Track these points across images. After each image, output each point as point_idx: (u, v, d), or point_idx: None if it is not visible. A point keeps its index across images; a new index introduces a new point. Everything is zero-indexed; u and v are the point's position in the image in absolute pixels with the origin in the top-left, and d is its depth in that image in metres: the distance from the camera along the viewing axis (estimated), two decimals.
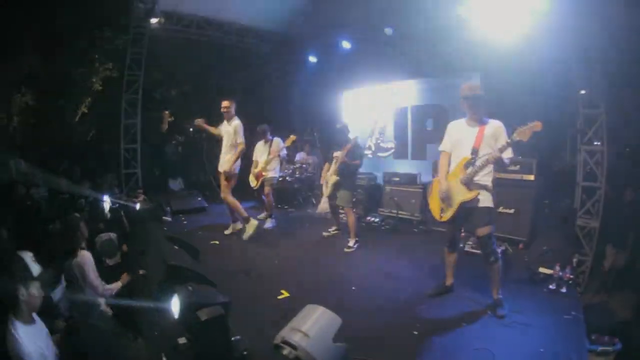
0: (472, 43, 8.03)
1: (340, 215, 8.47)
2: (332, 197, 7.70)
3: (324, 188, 7.92)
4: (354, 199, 7.87)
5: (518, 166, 7.15)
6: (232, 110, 7.60)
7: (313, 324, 3.34)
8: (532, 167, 7.10)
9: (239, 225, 8.12)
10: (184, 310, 3.48)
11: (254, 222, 7.70)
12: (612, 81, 7.12)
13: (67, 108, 13.29)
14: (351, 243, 7.41)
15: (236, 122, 7.54)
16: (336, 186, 7.51)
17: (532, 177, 7.15)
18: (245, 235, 7.65)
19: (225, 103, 7.59)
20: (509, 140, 4.25)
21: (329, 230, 8.24)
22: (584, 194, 7.16)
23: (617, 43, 7.05)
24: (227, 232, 8.22)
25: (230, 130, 7.53)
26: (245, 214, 7.73)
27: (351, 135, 7.55)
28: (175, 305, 3.56)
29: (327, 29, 10.51)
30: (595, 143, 7.09)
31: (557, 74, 7.50)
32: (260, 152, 8.80)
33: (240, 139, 7.50)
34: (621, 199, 7.70)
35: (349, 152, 7.27)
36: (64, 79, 12.72)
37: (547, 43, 6.96)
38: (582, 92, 7.05)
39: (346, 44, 11.21)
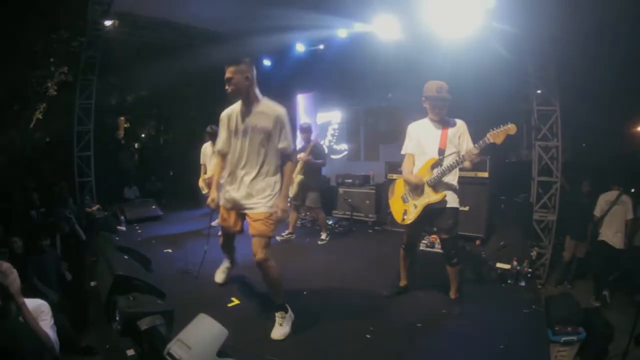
0: (424, 42, 8.05)
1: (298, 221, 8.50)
2: (296, 198, 7.66)
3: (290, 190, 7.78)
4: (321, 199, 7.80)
5: None
6: None
7: (198, 336, 3.16)
8: (486, 164, 7.15)
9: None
10: (125, 320, 3.34)
11: None
12: (566, 79, 7.25)
13: (23, 114, 12.89)
14: (323, 236, 7.73)
15: None
16: (302, 187, 7.51)
17: (486, 174, 7.21)
18: None
19: None
20: (476, 146, 4.11)
21: (282, 234, 8.04)
22: (540, 189, 7.25)
23: (569, 42, 7.19)
24: None
25: None
26: None
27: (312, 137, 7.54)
28: (117, 317, 3.42)
29: (281, 32, 10.42)
30: (552, 141, 7.22)
31: (511, 73, 7.57)
32: (209, 154, 8.35)
33: None
34: (578, 192, 7.86)
35: (312, 151, 7.30)
36: (20, 84, 12.34)
37: (500, 42, 7.04)
38: (539, 91, 7.16)
39: (300, 47, 11.11)
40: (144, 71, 12.62)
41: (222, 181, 4.28)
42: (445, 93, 4.34)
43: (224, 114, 4.19)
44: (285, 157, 4.16)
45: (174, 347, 3.02)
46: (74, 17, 10.33)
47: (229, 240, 4.98)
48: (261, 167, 4.03)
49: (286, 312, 4.23)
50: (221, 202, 4.30)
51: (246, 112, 4.00)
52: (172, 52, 11.62)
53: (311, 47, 9.93)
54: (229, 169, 4.16)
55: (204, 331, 3.22)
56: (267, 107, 4.02)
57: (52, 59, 12.18)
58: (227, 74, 3.86)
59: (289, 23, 9.54)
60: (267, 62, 12.19)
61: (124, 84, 13.75)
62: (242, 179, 4.05)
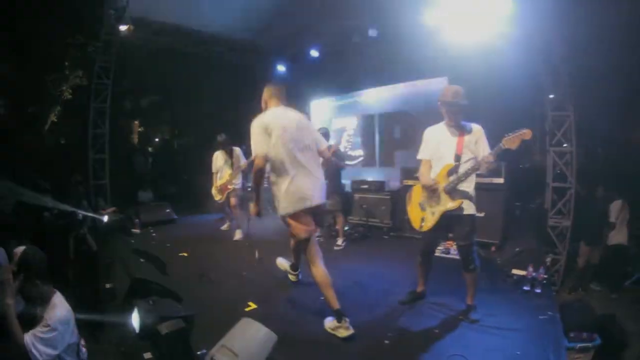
0: (439, 48, 8.05)
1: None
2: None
3: None
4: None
5: None
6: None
7: (245, 342, 3.05)
8: (501, 170, 7.12)
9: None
10: (144, 324, 3.34)
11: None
12: (580, 84, 7.19)
13: (38, 117, 13.00)
14: (340, 242, 7.83)
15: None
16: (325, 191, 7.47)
17: (501, 180, 7.18)
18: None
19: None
20: (492, 152, 4.08)
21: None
22: (554, 195, 7.20)
23: (583, 47, 7.16)
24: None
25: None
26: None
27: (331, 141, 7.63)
28: (135, 320, 3.43)
29: (296, 38, 10.44)
30: (564, 145, 7.17)
31: (525, 77, 7.53)
32: (222, 162, 8.53)
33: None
34: (593, 198, 7.81)
35: (336, 153, 7.43)
36: (35, 87, 12.46)
37: (513, 47, 7.01)
38: (551, 96, 7.11)
39: (314, 53, 11.13)
40: (159, 76, 12.71)
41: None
42: (461, 98, 4.32)
43: None
44: None
45: (217, 354, 2.94)
46: (89, 22, 10.42)
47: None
48: None
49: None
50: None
51: None
52: (186, 57, 11.70)
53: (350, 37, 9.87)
54: None
55: (250, 336, 3.15)
56: None
57: (67, 63, 12.26)
58: None
59: (303, 28, 9.56)
60: (281, 68, 12.24)
61: (138, 88, 13.82)
62: None
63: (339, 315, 4.32)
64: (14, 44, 11.14)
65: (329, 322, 4.42)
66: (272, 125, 4.29)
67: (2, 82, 11.96)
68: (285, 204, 4.37)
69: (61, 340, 3.11)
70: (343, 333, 4.24)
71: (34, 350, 2.96)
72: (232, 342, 3.02)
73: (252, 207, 4.68)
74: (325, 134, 7.57)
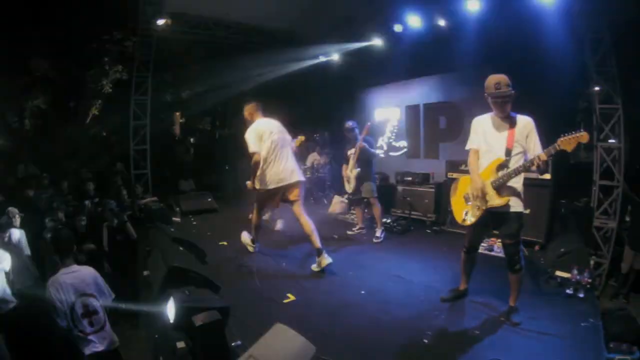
0: (483, 37, 7.87)
1: (352, 216, 8.79)
2: (356, 193, 7.83)
3: (346, 186, 7.99)
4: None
5: None
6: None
7: (277, 352, 2.77)
8: (548, 166, 6.87)
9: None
10: (179, 314, 3.35)
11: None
12: (629, 75, 6.89)
13: (78, 110, 13.32)
14: (378, 233, 7.72)
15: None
16: (359, 179, 7.64)
17: (549, 177, 6.93)
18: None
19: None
20: (546, 152, 3.90)
21: (353, 229, 8.34)
22: (600, 193, 6.93)
23: (633, 35, 6.83)
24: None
25: None
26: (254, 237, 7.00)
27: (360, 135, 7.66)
28: (170, 310, 3.43)
29: (336, 29, 10.35)
30: (611, 141, 6.88)
31: (570, 68, 7.24)
32: None
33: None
34: None
35: (366, 140, 7.54)
36: (75, 82, 12.77)
37: (560, 35, 6.75)
38: (597, 89, 6.84)
39: (356, 43, 10.96)
40: (198, 68, 12.84)
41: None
42: (505, 88, 4.12)
43: None
44: None
45: None
46: (126, 17, 10.59)
47: None
48: None
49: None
50: None
51: None
52: (226, 49, 11.76)
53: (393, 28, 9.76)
54: None
55: (284, 347, 2.84)
56: None
57: (106, 59, 12.52)
58: None
59: (345, 19, 9.49)
60: (323, 59, 12.18)
61: (179, 81, 13.99)
62: None
63: (319, 251, 6.04)
64: (53, 42, 11.43)
65: (314, 265, 6.12)
66: (263, 131, 6.25)
67: (43, 79, 12.31)
68: (269, 182, 6.26)
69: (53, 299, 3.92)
70: (324, 262, 5.99)
71: None
72: (263, 351, 2.74)
73: (248, 184, 6.45)
74: (354, 128, 7.83)
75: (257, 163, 6.12)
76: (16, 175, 10.39)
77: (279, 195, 6.43)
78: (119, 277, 6.20)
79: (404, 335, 4.26)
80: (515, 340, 4.12)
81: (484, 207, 4.31)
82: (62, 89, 12.76)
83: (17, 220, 6.43)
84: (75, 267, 4.13)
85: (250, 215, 7.08)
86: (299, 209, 6.34)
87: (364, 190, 7.69)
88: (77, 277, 4.03)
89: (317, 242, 6.06)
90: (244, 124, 6.58)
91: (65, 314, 3.92)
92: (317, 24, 10.03)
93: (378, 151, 10.73)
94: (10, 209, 6.48)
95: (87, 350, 3.93)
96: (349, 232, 8.27)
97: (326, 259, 5.98)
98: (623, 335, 4.59)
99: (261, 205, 6.73)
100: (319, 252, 6.02)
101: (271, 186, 6.25)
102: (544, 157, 3.89)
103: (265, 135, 6.19)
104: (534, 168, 4.02)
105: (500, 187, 4.21)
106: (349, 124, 7.86)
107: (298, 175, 6.41)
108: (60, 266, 4.12)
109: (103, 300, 4.20)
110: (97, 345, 3.98)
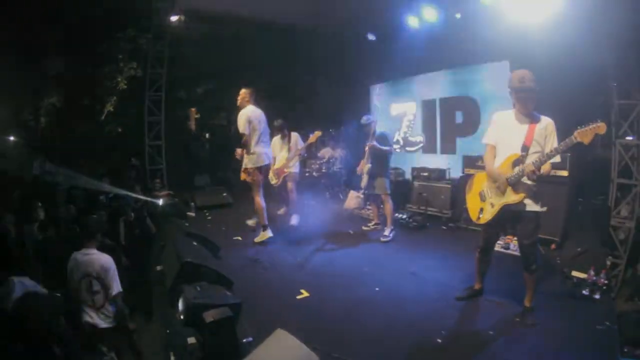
0: (500, 30, 7.75)
1: (368, 211, 8.80)
2: (368, 187, 7.71)
3: (362, 181, 7.85)
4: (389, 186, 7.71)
5: None
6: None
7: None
8: (566, 162, 6.72)
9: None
10: (190, 311, 3.33)
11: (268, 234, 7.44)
12: None
13: (93, 107, 13.41)
14: (387, 232, 7.55)
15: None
16: (370, 175, 7.54)
17: (566, 173, 6.79)
18: (257, 239, 7.49)
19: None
20: (562, 145, 3.81)
21: (369, 224, 8.33)
22: (618, 192, 6.77)
23: None
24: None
25: None
26: (265, 222, 7.44)
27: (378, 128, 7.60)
28: (181, 306, 3.42)
29: (351, 22, 10.27)
30: (629, 138, 6.69)
31: (589, 62, 7.08)
32: (278, 147, 8.52)
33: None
34: None
35: (377, 139, 7.40)
36: (90, 80, 12.86)
37: (578, 28, 6.61)
38: (615, 84, 6.67)
39: (371, 37, 10.93)
40: (213, 63, 12.84)
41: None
42: (530, 83, 4.04)
43: None
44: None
45: None
46: (139, 15, 10.64)
47: None
48: None
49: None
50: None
51: None
52: (240, 44, 11.75)
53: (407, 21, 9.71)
54: None
55: (284, 356, 2.72)
56: None
57: (120, 56, 12.58)
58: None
59: (359, 12, 9.40)
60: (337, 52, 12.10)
61: (193, 76, 14.01)
62: None
63: (264, 226, 7.32)
64: (67, 40, 11.50)
65: (257, 237, 7.34)
66: (252, 117, 7.07)
67: (58, 77, 12.42)
68: (254, 162, 7.15)
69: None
70: (266, 235, 7.27)
71: None
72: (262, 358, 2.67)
73: (238, 151, 7.37)
74: (370, 123, 7.61)
75: (245, 142, 7.09)
76: (31, 172, 10.46)
77: (263, 173, 7.45)
78: (135, 271, 6.24)
79: (418, 334, 4.22)
80: (530, 341, 4.06)
81: (499, 205, 4.23)
82: (76, 86, 12.84)
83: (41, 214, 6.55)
84: (93, 251, 4.54)
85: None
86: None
87: (376, 186, 7.60)
88: (89, 260, 4.44)
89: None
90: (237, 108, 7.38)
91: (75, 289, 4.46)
92: (332, 17, 9.94)
93: (395, 146, 10.71)
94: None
95: (83, 319, 4.41)
96: (365, 228, 8.24)
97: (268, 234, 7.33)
98: (638, 339, 4.48)
99: (257, 186, 7.34)
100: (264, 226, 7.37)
101: (258, 164, 7.21)
102: (560, 148, 3.82)
103: (253, 120, 7.08)
104: (547, 166, 3.95)
105: (516, 184, 4.12)
106: (365, 118, 7.71)
107: (270, 159, 7.62)
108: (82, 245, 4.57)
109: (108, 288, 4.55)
110: (94, 318, 4.43)
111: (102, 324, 4.45)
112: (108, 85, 12.92)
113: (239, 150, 7.33)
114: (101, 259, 4.50)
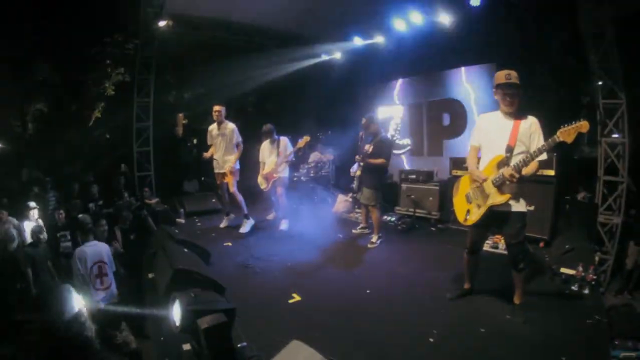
0: (483, 33, 7.84)
1: (357, 215, 8.90)
2: (358, 192, 7.72)
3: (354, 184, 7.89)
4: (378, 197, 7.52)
5: None
6: (224, 114, 8.43)
7: None
8: (552, 162, 6.83)
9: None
10: (185, 317, 3.35)
11: (251, 221, 8.45)
12: (633, 68, 6.82)
13: (81, 114, 13.33)
14: (374, 239, 7.46)
15: (231, 124, 8.39)
16: (359, 181, 7.57)
17: (552, 172, 6.90)
18: (242, 229, 8.29)
19: (217, 108, 8.39)
20: (545, 145, 3.90)
21: (357, 228, 8.32)
22: (604, 189, 6.89)
23: (635, 27, 6.79)
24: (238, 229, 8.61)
25: (227, 133, 8.31)
26: (246, 211, 8.44)
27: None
28: (176, 314, 3.44)
29: (337, 27, 10.33)
30: (615, 136, 6.82)
31: (572, 62, 7.20)
32: (267, 152, 8.57)
33: (240, 138, 8.40)
34: None
35: (373, 151, 7.24)
36: (77, 85, 12.79)
37: (559, 29, 6.72)
38: (600, 83, 6.78)
39: (358, 41, 11.00)
40: (201, 69, 12.84)
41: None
42: (515, 79, 4.11)
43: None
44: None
45: None
46: (127, 20, 10.61)
47: None
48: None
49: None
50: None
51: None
52: (229, 50, 11.78)
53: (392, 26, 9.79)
54: None
55: None
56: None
57: (108, 61, 12.52)
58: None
59: (343, 16, 9.47)
60: (326, 57, 12.22)
61: (181, 82, 13.99)
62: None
63: (246, 216, 8.36)
64: (54, 45, 11.45)
65: (242, 227, 8.24)
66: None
67: (45, 83, 12.35)
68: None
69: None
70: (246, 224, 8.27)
71: None
72: None
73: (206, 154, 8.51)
74: (372, 119, 7.57)
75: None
76: (20, 179, 10.41)
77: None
78: (132, 279, 6.47)
79: (410, 334, 4.27)
80: (521, 338, 4.12)
81: (485, 206, 4.29)
82: (64, 92, 12.77)
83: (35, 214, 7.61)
84: (94, 242, 6.00)
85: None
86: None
87: (362, 197, 7.54)
88: (95, 249, 5.84)
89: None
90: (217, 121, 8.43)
91: (83, 276, 5.64)
92: (319, 22, 10.00)
93: (399, 151, 11.10)
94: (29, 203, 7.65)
95: (93, 297, 5.54)
96: (354, 231, 8.24)
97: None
98: (628, 331, 4.58)
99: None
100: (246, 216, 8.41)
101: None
102: (544, 147, 3.90)
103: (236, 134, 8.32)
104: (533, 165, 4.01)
105: (502, 185, 4.17)
106: (366, 116, 7.62)
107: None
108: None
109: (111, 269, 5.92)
110: (102, 296, 5.69)
111: (109, 299, 5.68)
112: (96, 91, 12.84)
113: (206, 154, 8.52)
114: (104, 246, 5.99)
